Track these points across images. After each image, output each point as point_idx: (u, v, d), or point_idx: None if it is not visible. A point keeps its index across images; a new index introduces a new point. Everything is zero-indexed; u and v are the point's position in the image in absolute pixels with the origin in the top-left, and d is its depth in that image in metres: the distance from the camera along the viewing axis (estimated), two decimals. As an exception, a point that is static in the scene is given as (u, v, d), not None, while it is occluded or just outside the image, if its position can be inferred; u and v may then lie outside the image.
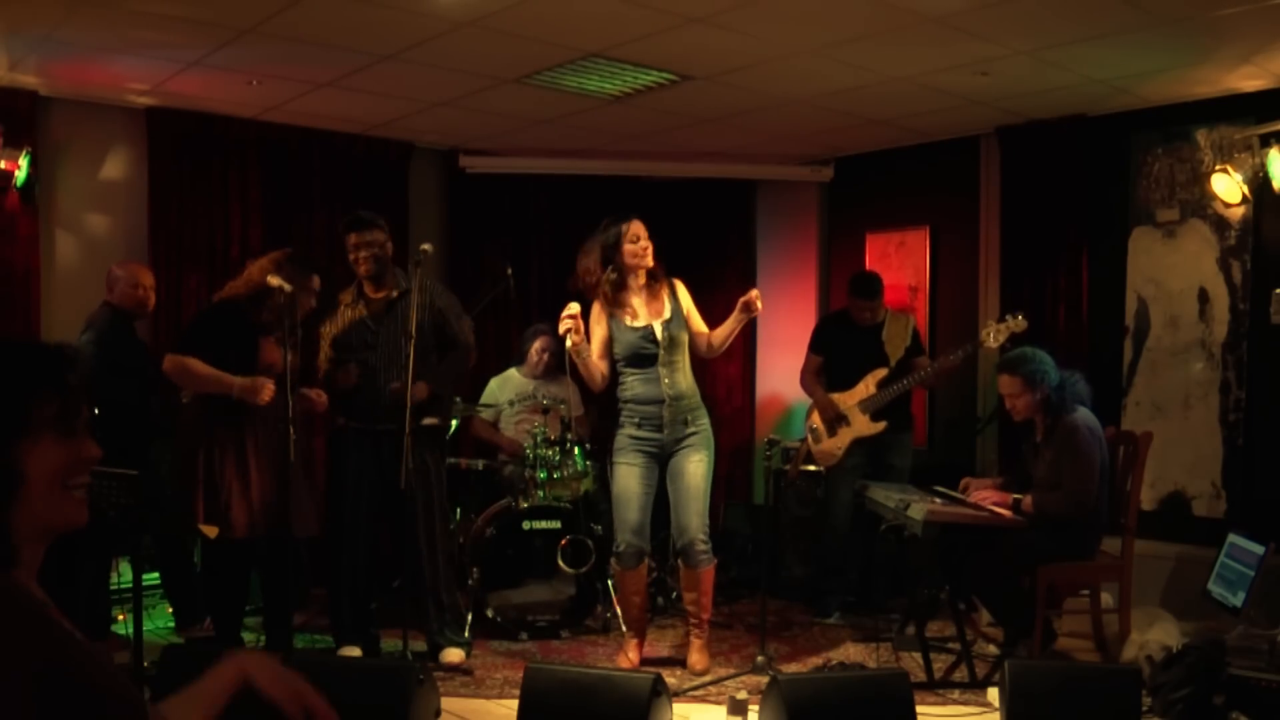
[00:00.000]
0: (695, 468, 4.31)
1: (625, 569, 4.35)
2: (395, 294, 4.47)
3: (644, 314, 4.34)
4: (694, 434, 4.34)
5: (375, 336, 4.43)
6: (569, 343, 4.18)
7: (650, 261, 4.35)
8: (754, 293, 4.24)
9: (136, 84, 5.08)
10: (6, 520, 1.27)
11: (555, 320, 4.99)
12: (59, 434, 1.32)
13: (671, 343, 4.32)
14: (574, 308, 4.18)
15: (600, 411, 5.95)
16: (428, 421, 4.41)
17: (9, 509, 1.27)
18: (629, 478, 4.31)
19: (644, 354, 4.30)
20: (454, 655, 4.42)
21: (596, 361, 4.34)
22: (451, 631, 4.52)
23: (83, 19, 4.12)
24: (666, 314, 4.34)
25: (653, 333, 4.30)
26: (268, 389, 4.08)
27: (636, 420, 4.31)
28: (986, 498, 4.37)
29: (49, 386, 1.32)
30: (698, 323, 4.45)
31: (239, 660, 1.46)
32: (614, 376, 4.40)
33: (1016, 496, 4.32)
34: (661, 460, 4.34)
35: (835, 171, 6.66)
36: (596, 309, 4.39)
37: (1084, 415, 4.28)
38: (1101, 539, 4.39)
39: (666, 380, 4.30)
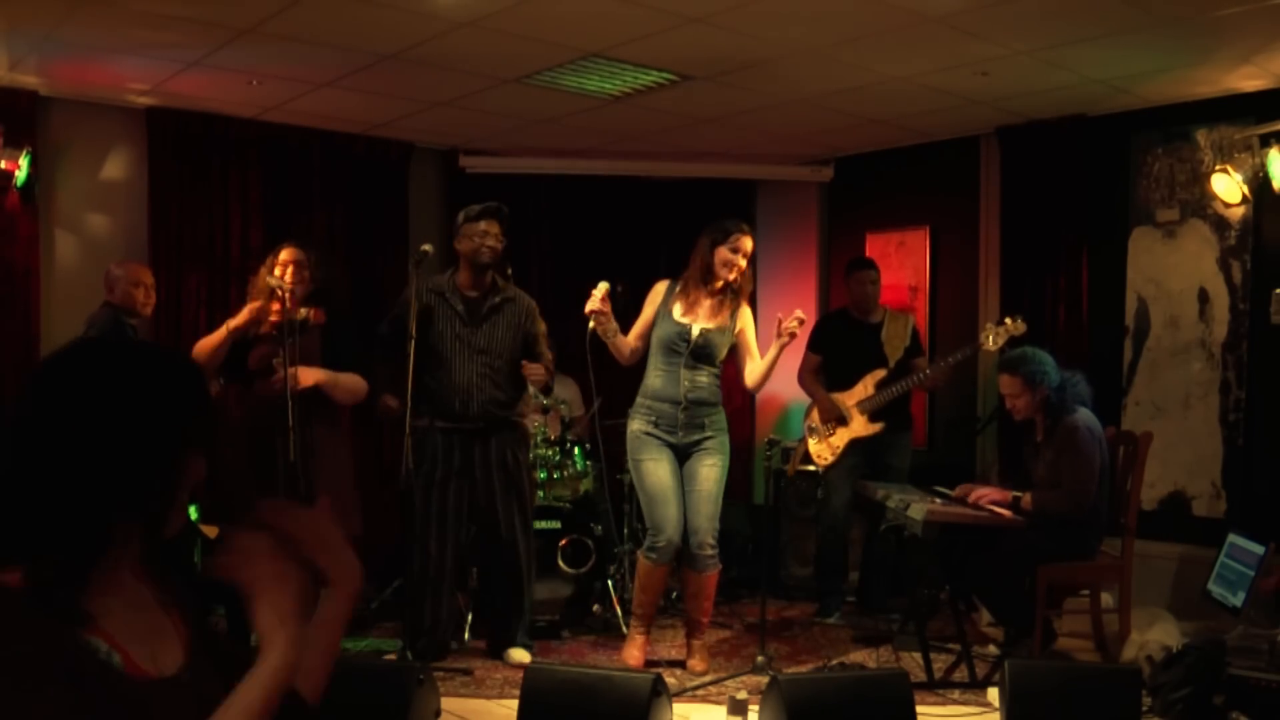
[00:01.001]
0: (709, 471, 4.28)
1: (660, 564, 4.28)
2: (497, 299, 4.44)
3: (700, 315, 4.30)
4: (710, 438, 4.30)
5: (467, 332, 4.39)
6: (591, 324, 4.17)
7: (733, 277, 4.27)
8: (797, 313, 4.13)
9: (136, 84, 5.08)
10: (159, 535, 1.30)
11: (553, 319, 4.99)
12: (202, 449, 1.34)
13: (702, 350, 4.26)
14: (603, 287, 4.17)
15: (599, 412, 5.97)
16: (515, 418, 4.45)
17: (163, 523, 1.30)
18: (661, 473, 4.25)
19: (673, 349, 4.28)
20: (523, 655, 4.41)
21: (630, 341, 4.33)
22: (524, 633, 4.52)
23: (83, 19, 4.12)
24: (713, 324, 4.29)
25: (688, 333, 4.26)
26: (251, 307, 4.13)
27: (653, 418, 4.28)
28: (985, 495, 4.38)
29: (203, 399, 1.35)
30: (751, 347, 4.38)
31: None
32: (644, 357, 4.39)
33: (1016, 494, 4.32)
34: (678, 459, 4.32)
35: (835, 171, 6.66)
36: (663, 286, 4.38)
37: (1084, 415, 4.28)
38: (1102, 539, 4.39)
39: (687, 382, 4.26)
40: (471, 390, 4.35)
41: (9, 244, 5.04)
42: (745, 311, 4.40)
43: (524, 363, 4.38)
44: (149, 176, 5.47)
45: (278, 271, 4.18)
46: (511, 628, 4.48)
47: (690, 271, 4.34)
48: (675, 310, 4.31)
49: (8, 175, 4.91)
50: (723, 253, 4.26)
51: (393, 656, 4.29)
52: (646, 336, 4.35)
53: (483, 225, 4.40)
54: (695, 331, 4.26)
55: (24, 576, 1.21)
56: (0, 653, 1.16)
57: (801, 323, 4.14)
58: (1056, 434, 4.29)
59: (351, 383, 4.29)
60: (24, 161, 4.94)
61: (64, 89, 5.14)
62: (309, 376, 4.12)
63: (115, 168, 5.50)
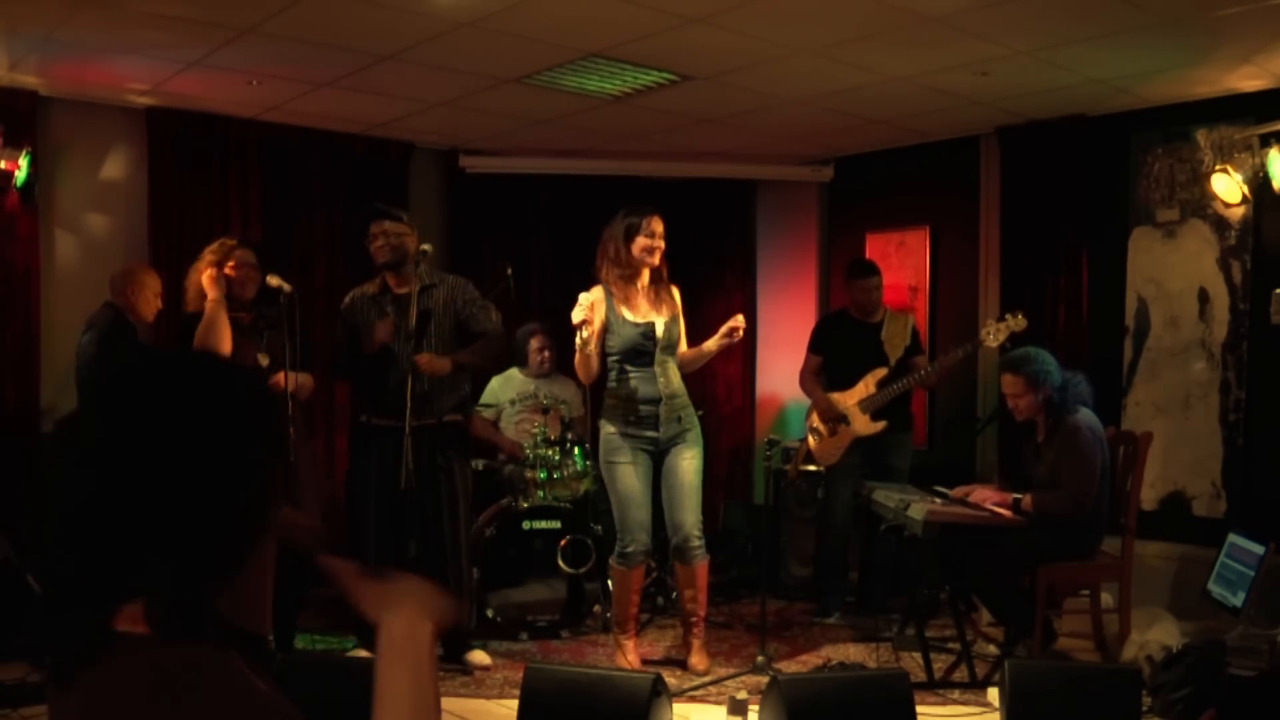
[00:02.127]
0: (688, 464, 4.31)
1: (632, 567, 4.32)
2: (418, 288, 4.39)
3: (645, 310, 4.31)
4: (687, 431, 4.34)
5: (396, 331, 4.37)
6: (582, 335, 4.12)
7: (657, 261, 4.31)
8: (738, 318, 4.24)
9: (136, 84, 5.08)
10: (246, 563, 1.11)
11: (553, 319, 4.98)
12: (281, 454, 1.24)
13: (670, 343, 4.32)
14: (586, 297, 4.17)
15: (595, 414, 5.97)
16: (450, 419, 4.39)
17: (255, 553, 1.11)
18: (632, 477, 4.27)
19: (641, 350, 4.28)
20: (483, 657, 4.40)
21: (594, 355, 4.27)
22: (473, 635, 4.51)
23: (83, 19, 4.12)
24: (667, 314, 4.33)
25: (653, 330, 4.27)
26: (209, 273, 4.18)
27: (631, 418, 4.28)
28: (986, 497, 4.38)
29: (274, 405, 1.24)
30: (683, 337, 4.44)
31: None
32: (602, 371, 4.34)
33: (1016, 496, 4.32)
34: (656, 458, 4.33)
35: (835, 171, 6.66)
36: (597, 293, 4.31)
37: (1086, 416, 4.28)
38: (1102, 539, 4.39)
39: (662, 379, 4.29)
40: (403, 387, 4.24)
41: (9, 244, 5.04)
42: (675, 292, 4.44)
43: (416, 357, 4.21)
44: (149, 176, 5.47)
45: (284, 284, 4.18)
46: (462, 630, 4.44)
47: (610, 273, 4.31)
48: (624, 313, 4.28)
49: (8, 175, 4.91)
50: (640, 242, 4.27)
51: (359, 653, 4.33)
52: (600, 348, 4.30)
53: (371, 229, 4.41)
54: (660, 328, 4.28)
55: (147, 619, 1.03)
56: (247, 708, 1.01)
57: (739, 328, 4.22)
58: (1058, 434, 4.29)
59: (298, 379, 4.35)
60: (24, 161, 4.94)
61: (64, 89, 5.14)
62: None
63: (115, 168, 5.50)
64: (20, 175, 4.94)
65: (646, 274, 4.33)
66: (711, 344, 4.32)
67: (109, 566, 1.03)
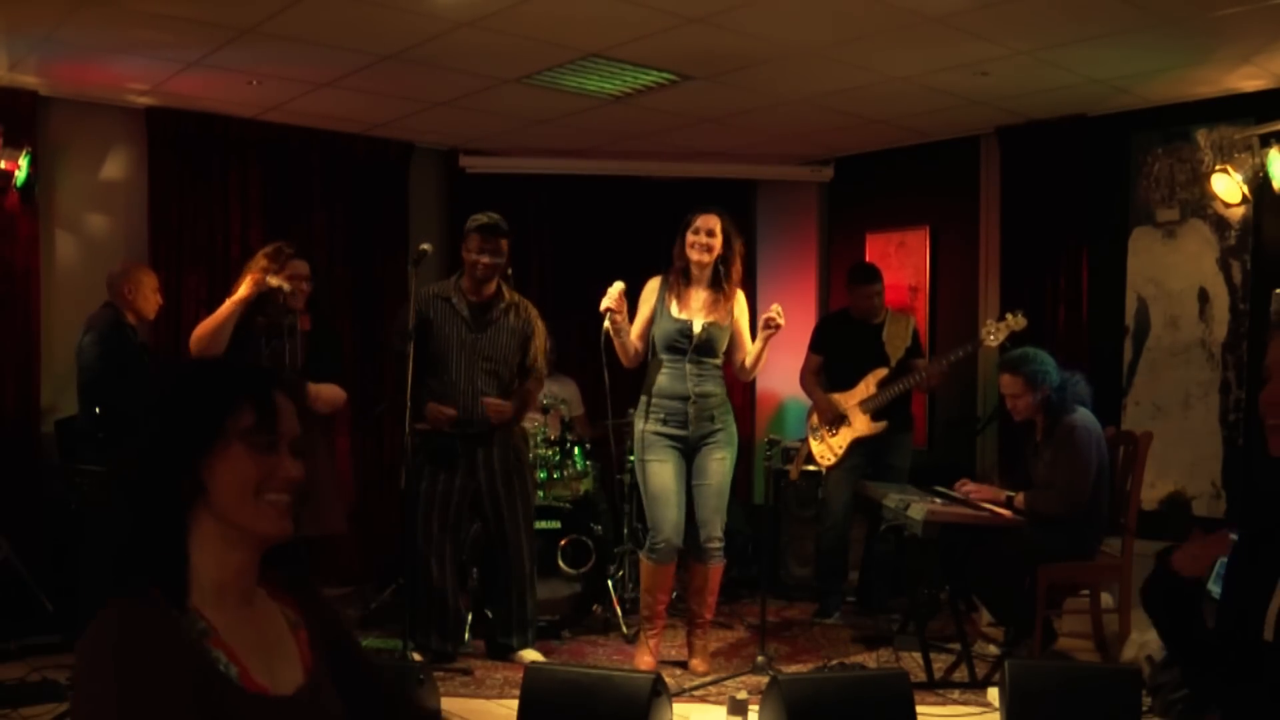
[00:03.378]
0: (718, 465, 4.29)
1: (660, 564, 4.30)
2: (502, 305, 4.44)
3: (694, 309, 4.30)
4: (719, 431, 4.31)
5: (469, 336, 4.39)
6: (607, 321, 4.17)
7: (707, 257, 4.27)
8: (775, 308, 4.17)
9: (136, 84, 5.08)
10: (184, 530, 1.34)
11: (553, 319, 4.98)
12: (252, 447, 1.35)
13: (706, 344, 4.27)
14: (619, 286, 4.18)
15: (598, 413, 5.96)
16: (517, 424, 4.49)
17: (194, 514, 1.34)
18: (664, 475, 4.26)
19: (675, 346, 4.28)
20: (536, 655, 4.42)
21: (633, 340, 4.31)
22: (533, 634, 4.55)
23: (83, 19, 4.12)
24: (714, 316, 4.29)
25: (689, 328, 4.26)
26: (255, 277, 4.10)
27: (662, 416, 4.27)
28: (979, 492, 4.38)
29: (246, 400, 1.36)
30: (744, 337, 4.37)
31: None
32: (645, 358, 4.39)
33: (1010, 494, 4.33)
34: (687, 455, 4.32)
35: (835, 171, 6.66)
36: (655, 284, 4.37)
37: (1083, 415, 4.28)
38: (1102, 539, 4.39)
39: (694, 378, 4.26)
40: (476, 394, 4.36)
41: (9, 244, 5.04)
42: (741, 301, 4.41)
43: (484, 399, 4.34)
44: (149, 176, 5.47)
45: (284, 284, 4.17)
46: (521, 629, 4.48)
47: (673, 269, 4.36)
48: (672, 307, 4.31)
49: (8, 175, 4.91)
50: (687, 239, 4.29)
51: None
52: (645, 336, 4.35)
53: (482, 242, 4.38)
54: (697, 327, 4.26)
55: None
56: (136, 663, 1.20)
57: (780, 314, 4.14)
58: (1055, 434, 4.29)
59: (331, 394, 4.36)
60: (24, 161, 4.94)
61: (64, 89, 5.14)
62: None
63: (115, 168, 5.50)
64: (20, 175, 4.94)
65: (706, 274, 4.31)
66: (757, 343, 4.28)
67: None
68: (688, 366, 4.27)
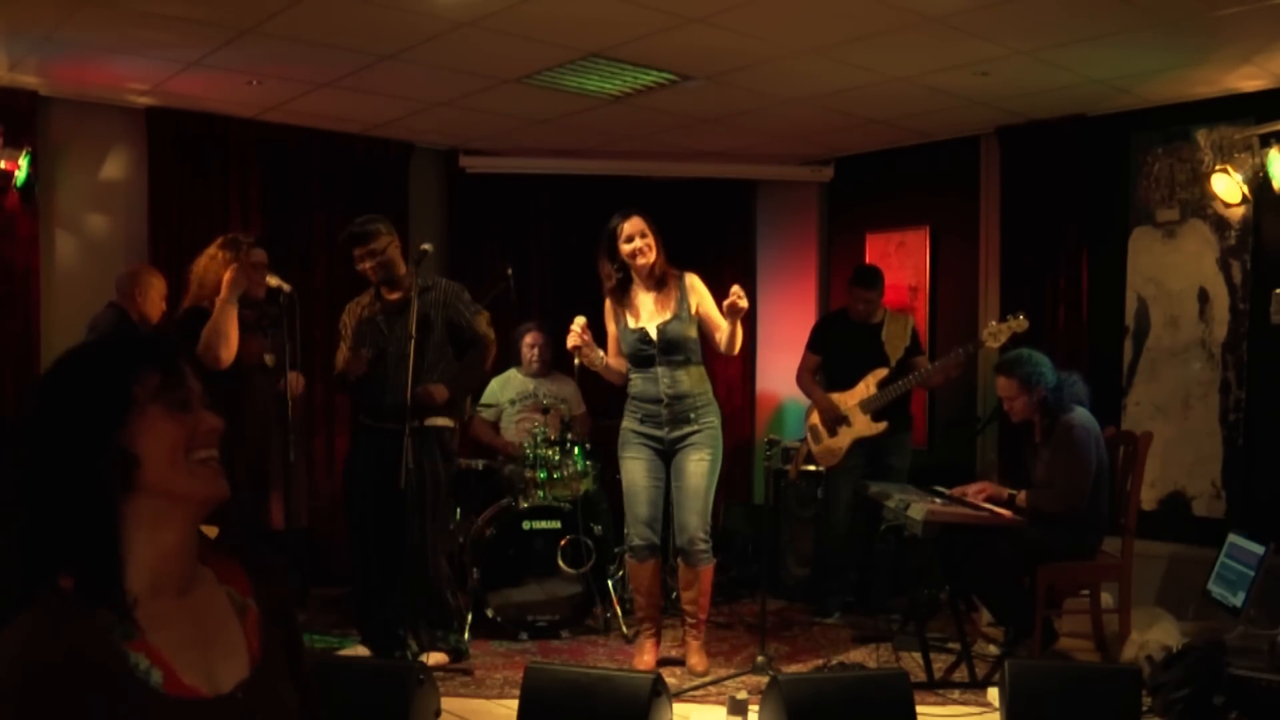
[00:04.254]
0: (696, 466, 4.29)
1: (640, 561, 4.35)
2: (411, 294, 4.39)
3: (646, 314, 4.33)
4: (697, 432, 4.30)
5: (386, 337, 4.40)
6: (577, 359, 4.25)
7: (650, 259, 4.29)
8: (734, 290, 4.08)
9: (136, 84, 5.08)
10: (119, 513, 1.25)
11: (553, 319, 4.97)
12: (168, 407, 1.29)
13: (670, 344, 4.29)
14: (579, 321, 4.20)
15: (598, 411, 5.96)
16: (437, 422, 4.39)
17: (126, 495, 1.26)
18: (635, 471, 4.32)
19: (642, 355, 4.31)
20: (439, 657, 4.37)
21: (611, 362, 4.37)
22: (443, 633, 4.45)
23: (83, 19, 4.12)
24: (668, 314, 4.31)
25: (647, 335, 4.29)
26: (230, 272, 4.07)
27: (639, 416, 4.33)
28: (981, 491, 4.39)
29: (147, 362, 1.30)
30: (714, 318, 4.32)
31: None
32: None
33: (1011, 492, 4.34)
34: (665, 456, 4.34)
35: (835, 171, 6.66)
36: (608, 306, 4.41)
37: (1080, 414, 4.28)
38: (1102, 538, 4.39)
39: (666, 380, 4.29)
40: (385, 389, 4.30)
41: (9, 244, 5.04)
42: (693, 285, 4.38)
43: (424, 387, 4.29)
44: (149, 176, 5.47)
45: (284, 284, 4.22)
46: (430, 629, 4.41)
47: (609, 286, 4.37)
48: (628, 320, 4.34)
49: (8, 175, 4.91)
50: (621, 249, 4.29)
51: (356, 650, 4.36)
52: (619, 353, 4.41)
53: (356, 252, 4.39)
54: (653, 332, 4.29)
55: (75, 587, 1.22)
56: (34, 685, 1.14)
57: (741, 295, 4.07)
58: (1053, 433, 4.30)
59: (296, 382, 4.41)
60: (24, 161, 4.94)
61: (64, 89, 5.14)
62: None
63: (115, 168, 5.50)
64: (20, 175, 4.94)
65: (646, 275, 4.33)
66: (727, 324, 4.23)
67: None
68: (659, 370, 4.30)
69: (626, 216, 4.33)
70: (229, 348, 4.04)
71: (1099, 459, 4.26)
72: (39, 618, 1.19)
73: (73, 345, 1.35)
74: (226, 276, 4.08)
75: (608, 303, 4.42)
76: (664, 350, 4.29)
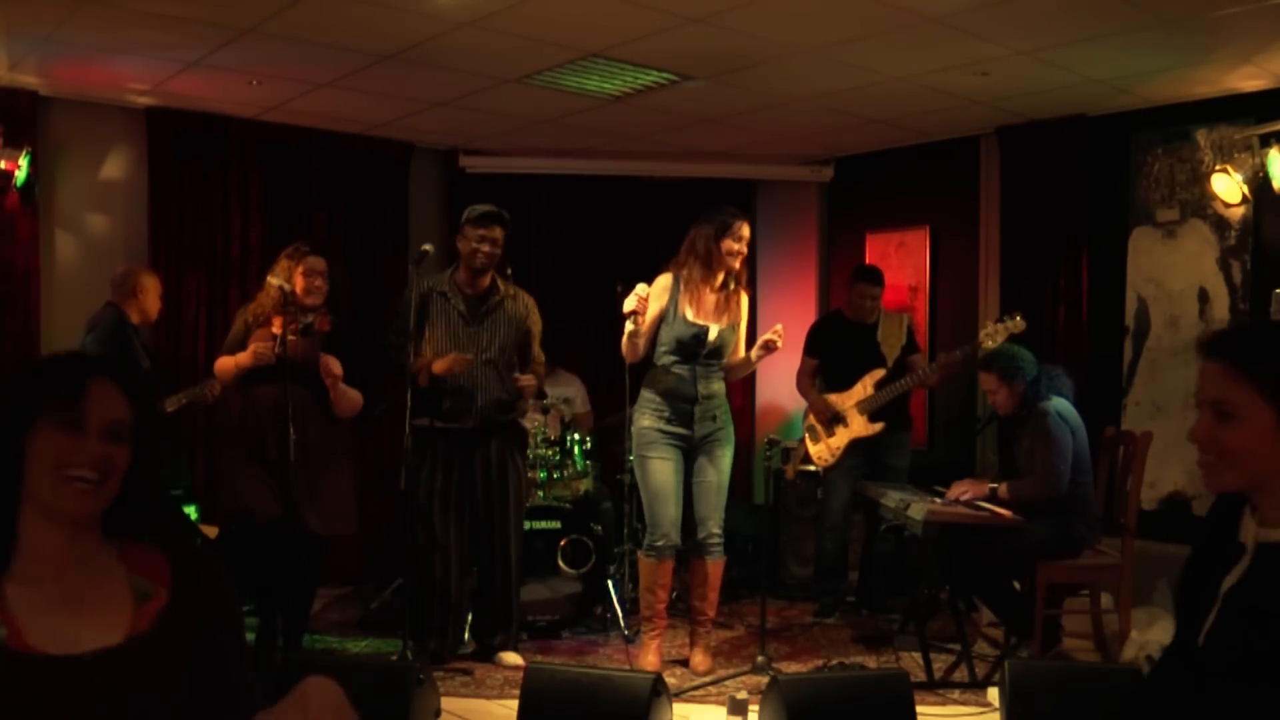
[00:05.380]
0: (720, 463, 4.34)
1: (660, 561, 4.31)
2: (497, 298, 4.42)
3: (706, 312, 4.30)
4: (720, 429, 4.35)
5: (468, 331, 4.37)
6: (630, 325, 4.15)
7: (738, 266, 4.30)
8: (776, 329, 4.21)
9: (136, 84, 5.08)
10: (16, 505, 1.47)
11: (553, 319, 4.96)
12: (58, 425, 1.46)
13: (719, 349, 4.31)
14: (644, 289, 4.16)
15: (598, 412, 5.96)
16: (520, 420, 4.48)
17: (17, 492, 1.47)
18: (665, 472, 4.28)
19: (689, 350, 4.28)
20: (515, 658, 4.40)
21: (644, 338, 4.29)
22: (516, 635, 4.52)
23: (83, 19, 4.12)
24: (726, 321, 4.31)
25: (706, 334, 4.26)
26: (261, 345, 4.12)
27: (666, 414, 4.28)
28: (964, 491, 4.40)
29: (54, 381, 1.48)
30: (740, 345, 4.40)
31: (305, 683, 1.56)
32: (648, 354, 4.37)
33: (993, 485, 4.36)
34: (688, 454, 4.33)
35: (835, 171, 6.66)
36: (664, 283, 4.32)
37: (1056, 403, 4.34)
38: (1093, 530, 4.41)
39: (703, 381, 4.29)
40: (474, 390, 4.33)
41: (9, 244, 5.04)
42: (745, 302, 4.43)
43: (516, 375, 4.39)
44: (149, 176, 5.47)
45: (300, 282, 4.23)
46: (505, 628, 4.47)
47: (691, 267, 4.30)
48: (686, 311, 4.28)
49: (8, 175, 4.91)
50: (728, 244, 4.26)
51: (394, 657, 4.29)
52: (652, 335, 4.32)
53: (481, 230, 4.35)
54: (713, 334, 4.27)
55: None
56: None
57: (780, 337, 4.21)
58: (1030, 422, 4.34)
59: (354, 395, 4.32)
60: (24, 161, 4.94)
61: (64, 89, 5.14)
62: (337, 366, 4.17)
63: (115, 168, 5.50)
64: (20, 175, 4.94)
65: (721, 277, 4.31)
66: (752, 353, 4.31)
67: None
68: (697, 369, 4.28)
69: (745, 219, 4.32)
70: (231, 381, 4.25)
71: (1077, 446, 4.29)
72: None
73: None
74: (253, 349, 4.13)
75: (668, 279, 4.32)
76: (712, 353, 4.29)
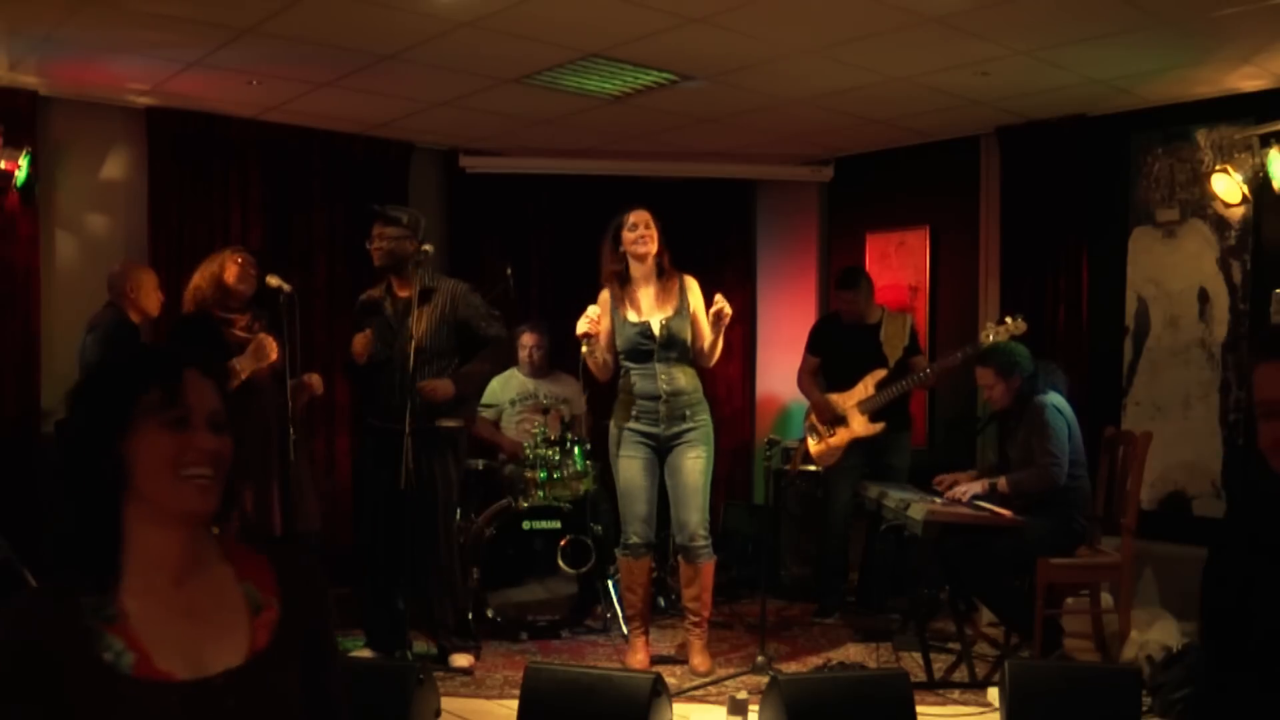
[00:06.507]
0: (693, 464, 4.31)
1: (635, 559, 4.34)
2: (418, 293, 4.36)
3: (647, 308, 4.34)
4: (691, 429, 4.33)
5: (395, 334, 4.37)
6: (585, 346, 4.22)
7: (651, 249, 4.32)
8: (717, 298, 4.21)
9: (136, 84, 5.08)
10: (118, 512, 1.38)
11: (553, 319, 4.97)
12: (164, 424, 1.38)
13: (670, 340, 4.31)
14: (594, 310, 4.22)
15: (597, 412, 5.96)
16: (447, 423, 4.36)
17: (120, 500, 1.39)
18: (633, 470, 4.32)
19: (641, 349, 4.31)
20: (463, 660, 4.38)
21: (605, 355, 4.35)
22: (460, 635, 4.47)
23: (83, 19, 4.12)
24: (670, 310, 4.33)
25: (649, 329, 4.30)
26: (267, 344, 4.14)
27: (634, 414, 4.33)
28: (965, 491, 4.40)
29: (152, 379, 1.40)
30: (702, 324, 4.36)
31: None
32: (617, 368, 4.44)
33: (991, 481, 4.36)
34: (660, 454, 4.35)
35: (835, 171, 6.65)
36: (605, 299, 4.39)
37: (1051, 397, 4.39)
38: (1093, 522, 4.42)
39: (664, 376, 4.30)
40: (402, 390, 4.23)
41: (9, 244, 5.04)
42: (691, 285, 4.43)
43: (421, 383, 4.23)
44: (149, 176, 5.46)
45: (284, 284, 4.23)
46: (448, 635, 4.41)
47: (611, 280, 4.39)
48: (628, 314, 4.34)
49: (8, 175, 4.91)
50: (625, 236, 4.33)
51: (362, 653, 4.33)
52: (612, 347, 4.39)
53: (373, 231, 4.40)
54: (656, 327, 4.30)
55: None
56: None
57: (725, 303, 4.20)
58: (1025, 416, 4.37)
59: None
60: (24, 161, 4.94)
61: (64, 89, 5.14)
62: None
63: (115, 168, 5.50)
64: (20, 175, 4.94)
65: (648, 269, 4.34)
66: (712, 333, 4.31)
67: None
68: (657, 366, 4.31)
69: (634, 208, 4.38)
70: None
71: (1074, 438, 4.33)
72: (20, 601, 1.36)
73: (99, 360, 1.48)
74: (256, 346, 4.17)
75: (604, 295, 4.41)
76: (664, 346, 4.30)
